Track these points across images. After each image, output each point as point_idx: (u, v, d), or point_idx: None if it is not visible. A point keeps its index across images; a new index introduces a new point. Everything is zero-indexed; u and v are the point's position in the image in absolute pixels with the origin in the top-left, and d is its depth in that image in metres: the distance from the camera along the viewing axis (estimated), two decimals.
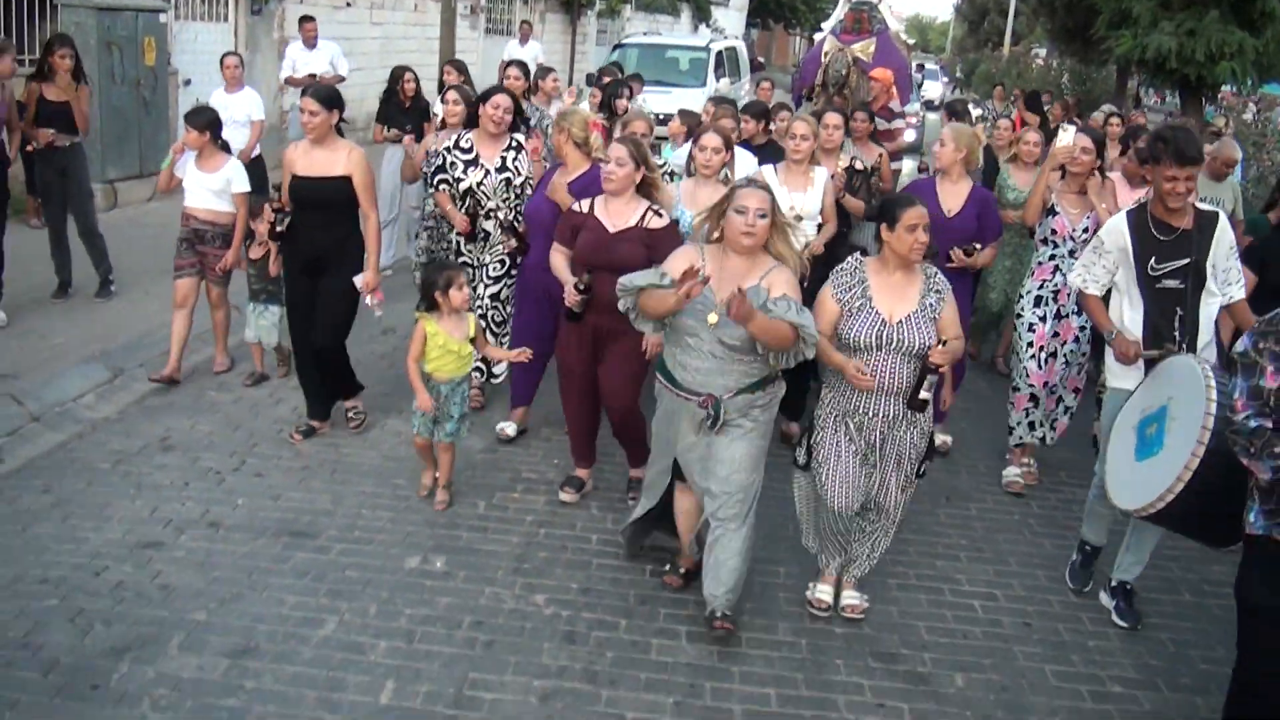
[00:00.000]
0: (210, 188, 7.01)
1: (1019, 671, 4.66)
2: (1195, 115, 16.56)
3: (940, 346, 4.41)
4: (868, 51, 13.34)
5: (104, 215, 9.94)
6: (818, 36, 15.52)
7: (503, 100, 6.62)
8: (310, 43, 11.89)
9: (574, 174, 6.15)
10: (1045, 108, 15.38)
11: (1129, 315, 5.03)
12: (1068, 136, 6.44)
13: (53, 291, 8.48)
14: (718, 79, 18.87)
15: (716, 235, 4.51)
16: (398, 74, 9.90)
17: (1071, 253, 6.37)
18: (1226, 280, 5.02)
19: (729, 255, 4.43)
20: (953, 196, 6.55)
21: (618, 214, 5.44)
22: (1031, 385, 6.44)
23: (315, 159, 6.12)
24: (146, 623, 4.49)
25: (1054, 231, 6.50)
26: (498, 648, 4.49)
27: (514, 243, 6.46)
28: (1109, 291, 5.22)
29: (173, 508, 5.48)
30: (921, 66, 30.06)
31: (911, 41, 18.52)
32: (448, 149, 6.70)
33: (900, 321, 4.48)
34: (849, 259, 4.72)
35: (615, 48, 20.54)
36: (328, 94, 6.17)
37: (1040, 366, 6.41)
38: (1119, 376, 5.05)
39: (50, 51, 8.37)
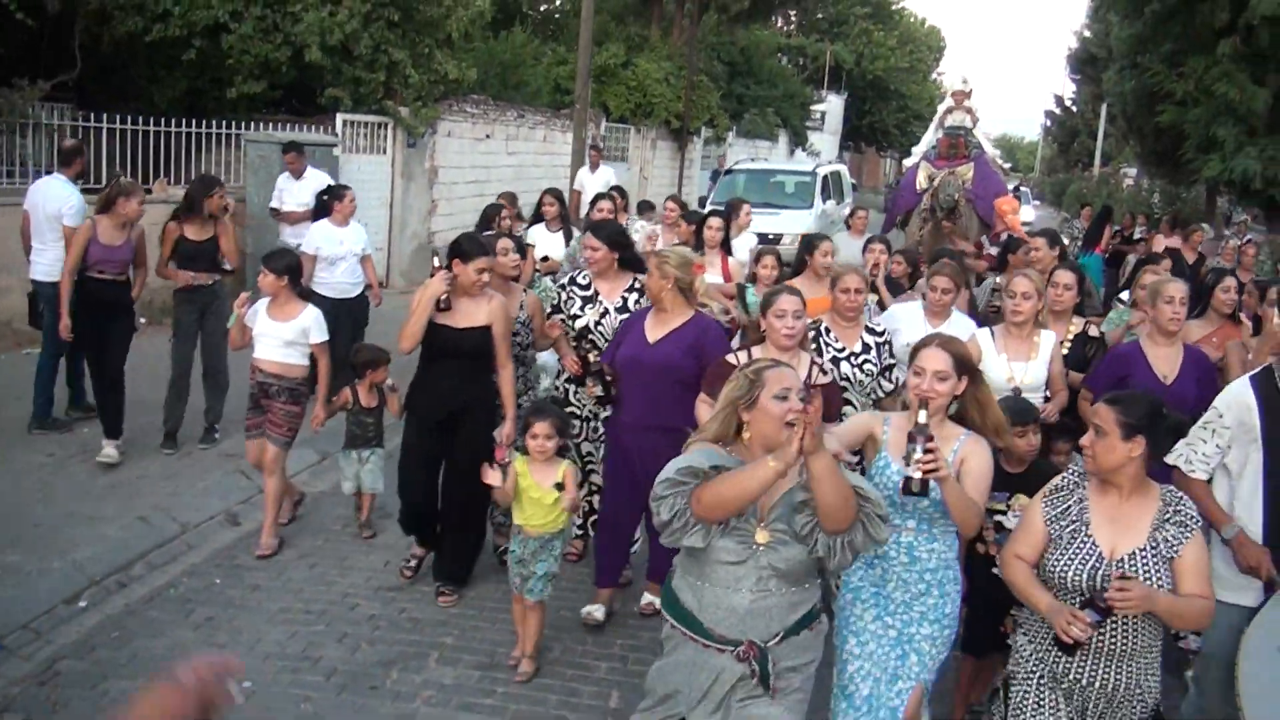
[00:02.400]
0: (282, 337, 6.41)
1: None
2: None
3: (1122, 582, 3.35)
4: (966, 177, 13.37)
5: None
6: (908, 162, 15.33)
7: (589, 240, 6.23)
8: (297, 173, 10.87)
9: (676, 323, 5.46)
10: (1135, 230, 16.01)
11: (1242, 508, 4.12)
12: None
13: (161, 442, 7.96)
14: (824, 201, 19.97)
15: (744, 435, 3.48)
16: (490, 214, 9.16)
17: None
18: None
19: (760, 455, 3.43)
20: (1166, 361, 5.55)
21: None
22: None
23: (460, 308, 5.73)
24: (404, 644, 5.52)
25: None
26: None
27: (598, 390, 5.56)
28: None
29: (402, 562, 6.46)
30: (1018, 189, 30.59)
31: (1008, 166, 18.42)
32: (563, 286, 6.32)
33: (1122, 559, 3.50)
34: (1068, 473, 3.84)
35: (725, 173, 21.76)
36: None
37: None
38: (1232, 587, 4.07)
39: (204, 192, 7.84)
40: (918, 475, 3.55)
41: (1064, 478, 3.76)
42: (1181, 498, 3.58)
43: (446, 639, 5.55)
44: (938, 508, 3.85)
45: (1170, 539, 3.47)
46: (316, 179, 10.82)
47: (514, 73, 21.43)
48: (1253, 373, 4.25)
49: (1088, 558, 3.51)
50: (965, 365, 4.03)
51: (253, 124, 13.52)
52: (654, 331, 5.44)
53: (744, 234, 9.68)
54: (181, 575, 6.22)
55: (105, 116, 12.03)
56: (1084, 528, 3.56)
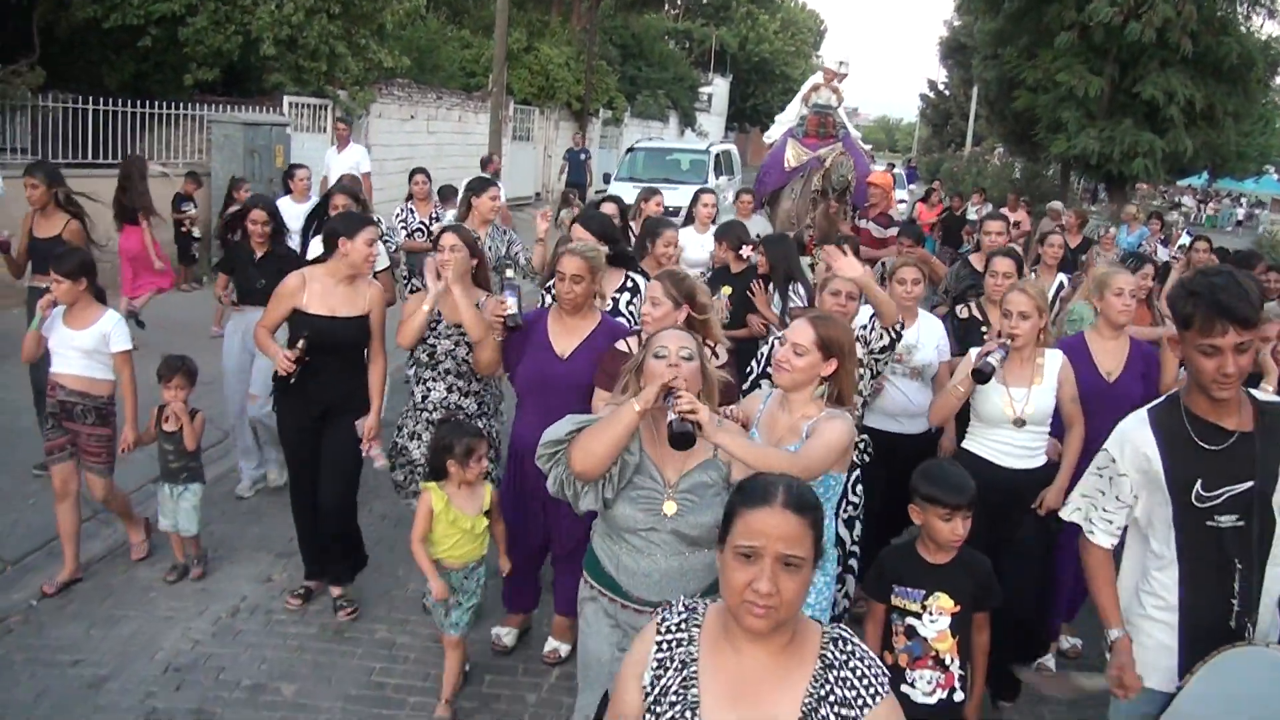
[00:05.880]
0: (81, 347, 5.52)
1: None
2: (1119, 204, 19.87)
3: None
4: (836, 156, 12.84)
5: None
6: (768, 138, 14.59)
7: (578, 231, 5.78)
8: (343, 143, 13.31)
9: (585, 329, 4.82)
10: (966, 208, 17.29)
11: (1158, 573, 3.17)
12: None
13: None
14: (717, 177, 21.82)
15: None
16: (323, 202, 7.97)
17: None
18: None
19: (659, 421, 3.32)
20: (1112, 356, 5.06)
21: None
22: None
23: (337, 295, 5.28)
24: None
25: None
26: None
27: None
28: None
29: None
30: (908, 167, 31.76)
31: (869, 147, 17.76)
32: (547, 288, 5.61)
33: None
34: (674, 604, 2.41)
35: (627, 151, 23.49)
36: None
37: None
38: (1143, 668, 3.22)
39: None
40: (673, 419, 3.13)
41: (676, 607, 2.36)
42: (854, 652, 2.20)
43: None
44: None
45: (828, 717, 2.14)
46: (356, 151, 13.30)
47: (430, 57, 22.90)
48: (1152, 404, 3.25)
49: None
50: (832, 347, 3.72)
51: (202, 105, 14.77)
52: (562, 342, 4.78)
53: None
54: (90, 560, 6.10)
55: (85, 98, 13.20)
56: (687, 710, 2.18)
